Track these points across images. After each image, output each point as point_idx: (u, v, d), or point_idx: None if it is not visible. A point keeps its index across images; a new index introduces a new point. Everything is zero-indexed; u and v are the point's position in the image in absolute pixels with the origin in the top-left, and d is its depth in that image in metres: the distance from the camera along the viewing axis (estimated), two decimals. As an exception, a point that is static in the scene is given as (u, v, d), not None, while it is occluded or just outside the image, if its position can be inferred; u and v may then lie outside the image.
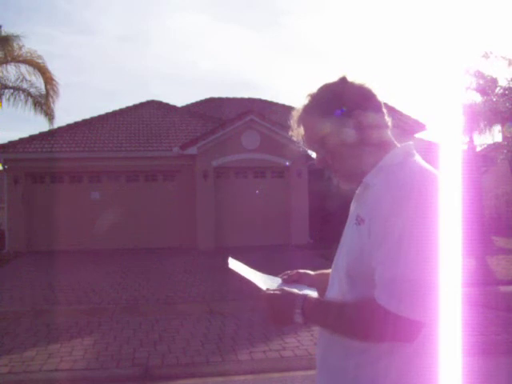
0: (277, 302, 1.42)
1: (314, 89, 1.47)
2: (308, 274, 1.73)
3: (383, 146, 1.42)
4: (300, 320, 1.38)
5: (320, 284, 1.66)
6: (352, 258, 1.37)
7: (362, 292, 1.34)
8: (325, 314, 1.39)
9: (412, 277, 1.22)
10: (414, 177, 1.32)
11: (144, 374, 4.89)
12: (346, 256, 1.41)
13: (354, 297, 1.36)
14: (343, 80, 1.43)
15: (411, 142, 1.45)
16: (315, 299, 1.43)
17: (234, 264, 1.66)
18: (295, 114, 1.48)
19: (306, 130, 1.47)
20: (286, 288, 1.48)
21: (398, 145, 1.45)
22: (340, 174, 1.46)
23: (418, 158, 1.41)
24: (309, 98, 1.46)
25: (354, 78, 1.43)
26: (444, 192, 1.30)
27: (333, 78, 1.45)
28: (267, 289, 1.50)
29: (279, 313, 1.42)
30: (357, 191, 1.50)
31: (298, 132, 1.50)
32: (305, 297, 1.40)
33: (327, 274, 1.63)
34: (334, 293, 1.47)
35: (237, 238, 14.62)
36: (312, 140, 1.46)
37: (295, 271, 1.73)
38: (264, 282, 1.59)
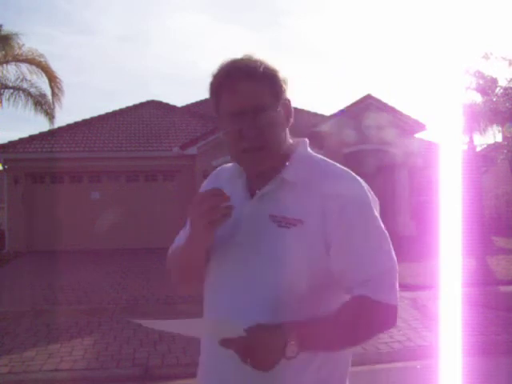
0: (261, 344, 1.14)
1: (265, 62, 1.38)
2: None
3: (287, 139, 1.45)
4: (294, 353, 1.15)
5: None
6: (305, 267, 1.26)
7: (329, 297, 1.30)
8: (322, 334, 1.21)
9: (393, 267, 1.28)
10: (356, 174, 1.35)
11: (144, 373, 4.90)
12: (289, 267, 1.26)
13: (316, 307, 1.26)
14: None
15: (306, 139, 1.47)
16: (302, 322, 1.21)
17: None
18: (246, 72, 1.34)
19: (253, 98, 1.33)
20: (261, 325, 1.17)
21: (291, 140, 1.46)
22: (264, 152, 1.38)
23: None
24: (265, 69, 1.36)
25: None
26: None
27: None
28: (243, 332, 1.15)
29: (267, 354, 1.15)
30: (264, 190, 1.41)
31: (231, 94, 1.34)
32: (291, 325, 1.18)
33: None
34: (260, 315, 1.22)
35: (237, 238, 14.60)
36: (257, 109, 1.33)
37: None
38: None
